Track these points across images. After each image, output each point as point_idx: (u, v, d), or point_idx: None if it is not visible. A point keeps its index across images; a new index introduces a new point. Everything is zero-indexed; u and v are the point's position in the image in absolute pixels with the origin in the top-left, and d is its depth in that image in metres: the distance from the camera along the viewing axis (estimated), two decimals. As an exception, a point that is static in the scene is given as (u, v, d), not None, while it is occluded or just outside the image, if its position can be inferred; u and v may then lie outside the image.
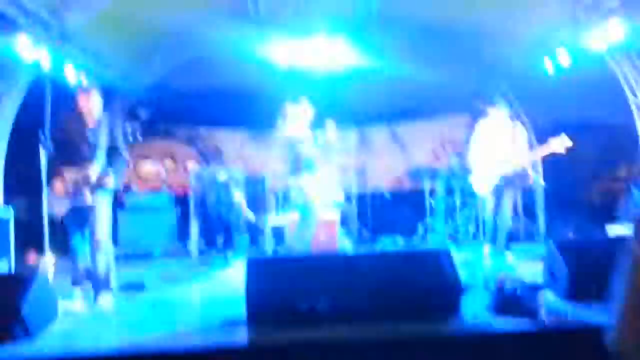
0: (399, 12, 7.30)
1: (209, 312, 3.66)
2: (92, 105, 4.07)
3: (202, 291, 4.71)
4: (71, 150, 4.02)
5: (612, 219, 8.77)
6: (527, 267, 5.05)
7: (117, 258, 4.34)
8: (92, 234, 4.01)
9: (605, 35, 5.82)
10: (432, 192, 8.40)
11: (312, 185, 5.75)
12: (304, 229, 5.59)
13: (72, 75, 6.13)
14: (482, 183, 5.60)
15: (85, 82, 5.97)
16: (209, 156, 9.65)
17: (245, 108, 8.65)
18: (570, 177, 11.38)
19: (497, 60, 8.23)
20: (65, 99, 4.13)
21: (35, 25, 5.31)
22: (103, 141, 4.06)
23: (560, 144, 5.09)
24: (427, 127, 10.16)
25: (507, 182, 5.48)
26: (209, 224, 7.05)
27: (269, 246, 6.86)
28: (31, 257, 5.62)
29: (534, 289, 3.41)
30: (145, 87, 8.49)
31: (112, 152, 4.10)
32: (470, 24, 7.27)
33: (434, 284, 3.31)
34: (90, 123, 4.07)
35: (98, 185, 3.96)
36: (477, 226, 7.60)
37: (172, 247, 7.69)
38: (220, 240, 7.05)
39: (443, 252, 3.49)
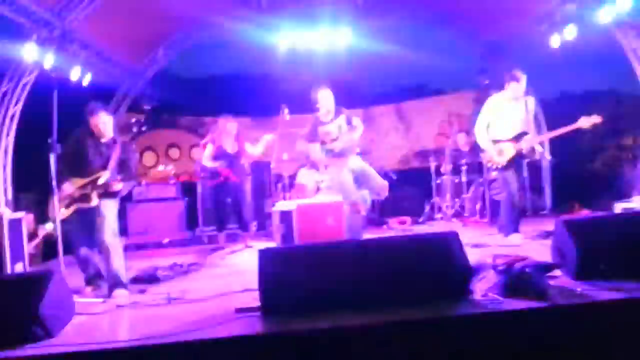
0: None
1: (223, 302, 3.71)
2: (103, 123, 4.16)
3: (215, 279, 4.73)
4: (84, 161, 4.16)
5: (619, 189, 8.75)
6: (535, 244, 5.07)
7: (127, 248, 4.42)
8: (101, 234, 4.10)
9: (612, 8, 5.75)
10: (437, 170, 8.38)
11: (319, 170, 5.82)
12: None
13: (77, 75, 6.16)
14: (492, 159, 5.48)
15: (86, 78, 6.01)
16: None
17: (247, 95, 8.66)
18: (575, 148, 11.34)
19: (502, 36, 8.18)
20: (76, 108, 4.21)
21: (39, 28, 5.37)
22: (116, 155, 4.18)
23: (589, 121, 5.02)
24: (433, 105, 10.13)
25: (516, 158, 5.40)
26: (217, 211, 7.06)
27: (277, 232, 6.90)
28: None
29: (543, 268, 3.44)
30: (148, 78, 8.52)
31: (124, 167, 4.24)
32: (473, 2, 7.23)
33: (443, 268, 3.34)
34: (104, 137, 4.19)
35: (105, 191, 4.08)
36: (484, 204, 7.60)
37: (182, 235, 7.79)
38: (229, 226, 7.09)
39: (451, 235, 3.52)
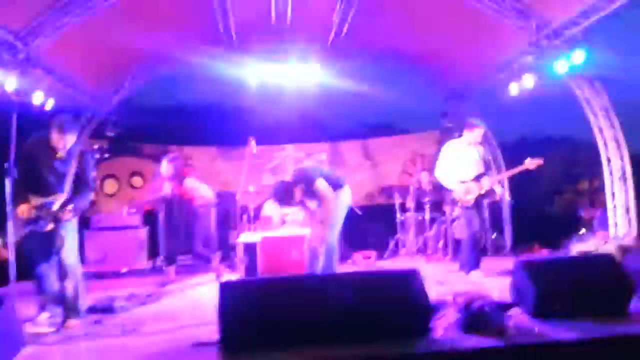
0: (366, 38, 7.54)
1: (181, 335, 3.61)
2: (64, 142, 4.00)
3: (173, 311, 4.60)
4: (38, 180, 4.00)
5: (576, 230, 9.05)
6: (495, 282, 5.16)
7: (84, 277, 4.27)
8: (59, 258, 3.96)
9: (567, 61, 6.11)
10: (402, 207, 8.48)
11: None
12: None
13: (39, 99, 6.06)
14: (461, 198, 5.78)
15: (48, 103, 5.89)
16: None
17: (214, 125, 8.66)
18: (535, 192, 11.75)
19: (463, 82, 8.53)
20: (35, 126, 4.08)
21: (2, 51, 5.29)
22: (71, 170, 4.03)
23: (533, 163, 5.72)
24: (398, 143, 10.36)
25: (478, 198, 5.74)
26: (179, 240, 6.91)
27: (241, 263, 6.81)
28: None
29: (502, 306, 3.51)
30: (113, 105, 8.42)
31: (79, 181, 4.08)
32: (435, 49, 7.54)
33: (404, 305, 3.36)
34: (58, 153, 4.01)
35: (58, 217, 3.93)
36: (446, 242, 7.71)
37: (142, 265, 7.57)
38: (192, 256, 6.95)
39: (412, 273, 3.55)
